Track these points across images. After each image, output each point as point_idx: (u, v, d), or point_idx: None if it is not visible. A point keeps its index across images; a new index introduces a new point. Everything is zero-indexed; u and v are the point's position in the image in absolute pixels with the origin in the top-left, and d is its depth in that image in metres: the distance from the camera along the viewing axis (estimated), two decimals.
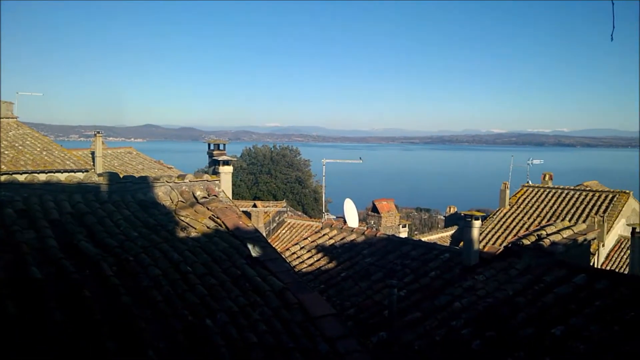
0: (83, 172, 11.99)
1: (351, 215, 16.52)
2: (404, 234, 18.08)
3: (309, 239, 10.31)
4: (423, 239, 14.58)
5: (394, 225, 18.08)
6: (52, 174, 11.36)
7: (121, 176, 7.06)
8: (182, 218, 6.45)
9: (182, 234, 6.09)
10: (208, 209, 6.80)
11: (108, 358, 3.74)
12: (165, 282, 4.95)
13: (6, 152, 17.62)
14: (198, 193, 7.17)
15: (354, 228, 10.66)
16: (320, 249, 9.69)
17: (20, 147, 18.31)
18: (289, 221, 22.75)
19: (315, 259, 9.43)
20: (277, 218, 23.06)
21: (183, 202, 6.92)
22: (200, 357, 4.15)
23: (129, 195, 6.73)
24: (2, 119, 20.19)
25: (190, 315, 4.53)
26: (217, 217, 6.58)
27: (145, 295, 4.67)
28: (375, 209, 18.36)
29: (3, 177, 6.11)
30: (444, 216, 32.07)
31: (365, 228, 11.09)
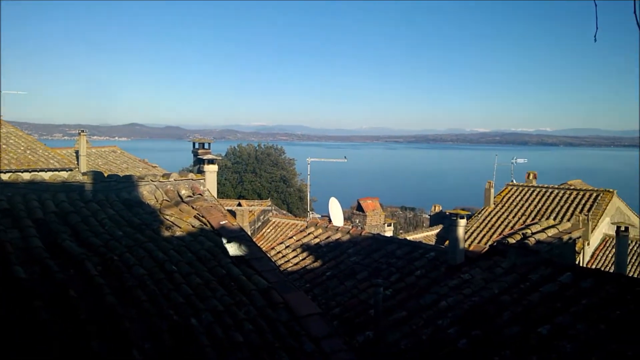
0: (67, 171, 11.85)
1: (336, 214, 16.60)
2: (389, 232, 18.22)
3: (294, 237, 10.34)
4: (408, 238, 14.71)
5: (379, 224, 18.20)
6: (36, 173, 11.22)
7: (105, 175, 7.01)
8: (167, 217, 6.45)
9: (167, 233, 6.08)
10: (193, 207, 6.80)
11: (94, 357, 3.73)
12: (150, 282, 4.95)
13: None
14: (183, 192, 7.16)
15: (339, 227, 10.72)
16: (306, 248, 9.73)
17: (4, 146, 18.06)
18: (273, 220, 22.75)
19: (300, 258, 9.46)
20: (262, 217, 23.05)
21: (168, 201, 6.91)
22: (186, 357, 4.16)
23: (113, 194, 6.70)
24: None
25: (175, 315, 4.54)
26: (202, 216, 6.58)
27: (130, 295, 4.66)
28: (360, 208, 18.46)
29: None
30: (429, 215, 32.31)
31: (350, 227, 11.16)
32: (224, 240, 6.13)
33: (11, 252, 4.75)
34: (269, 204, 25.66)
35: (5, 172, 14.88)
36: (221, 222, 6.48)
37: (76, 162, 20.11)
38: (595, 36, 2.99)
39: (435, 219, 27.74)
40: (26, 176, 6.51)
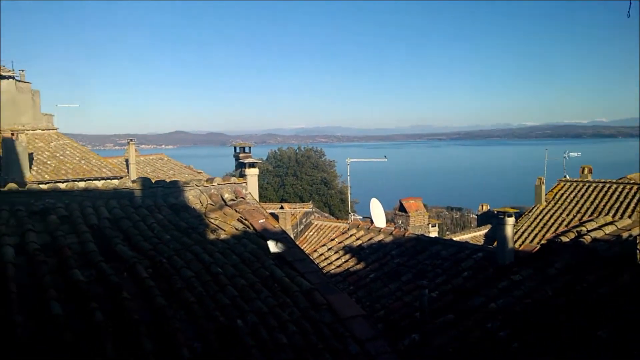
0: (118, 179, 12.37)
1: (378, 215, 16.56)
2: (433, 233, 18.00)
3: (336, 240, 10.42)
4: (455, 239, 14.49)
5: (422, 224, 18.02)
6: (90, 181, 11.81)
7: (153, 181, 7.32)
8: (212, 220, 6.66)
9: (212, 236, 6.29)
10: (236, 211, 6.99)
11: (146, 356, 3.93)
12: (198, 284, 5.14)
13: (49, 162, 18.41)
14: (226, 196, 7.38)
15: (382, 228, 10.72)
16: (348, 250, 9.79)
17: (61, 157, 19.09)
18: (316, 223, 22.91)
19: (343, 260, 9.53)
20: (304, 220, 23.26)
21: (212, 204, 7.14)
22: (232, 358, 4.30)
23: (161, 199, 6.99)
24: (44, 131, 21.06)
25: (221, 316, 4.70)
26: (245, 219, 6.77)
27: (178, 297, 4.86)
28: (402, 208, 18.33)
29: (47, 186, 6.44)
30: (477, 215, 31.66)
31: (393, 228, 11.14)
32: (267, 242, 6.28)
33: (70, 256, 5.06)
34: (311, 206, 25.87)
35: (63, 182, 15.74)
36: (263, 225, 6.63)
37: (126, 170, 20.98)
38: (628, 12, 2.87)
39: (483, 219, 27.16)
40: (81, 184, 6.89)
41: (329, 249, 10.11)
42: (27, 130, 19.34)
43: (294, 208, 24.39)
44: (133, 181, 7.32)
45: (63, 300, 4.32)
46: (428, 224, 18.58)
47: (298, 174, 48.64)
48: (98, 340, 3.94)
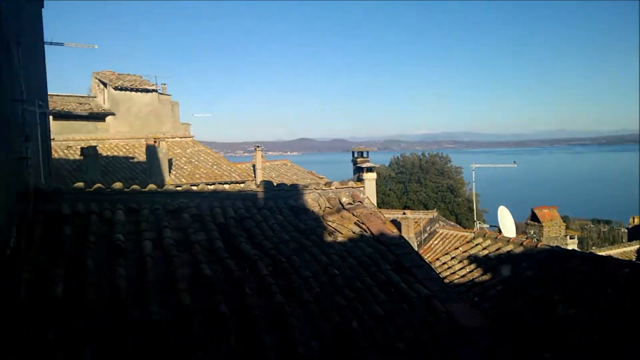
0: (243, 183, 13.29)
1: (507, 224, 15.62)
2: (572, 246, 16.51)
3: (460, 248, 10.05)
4: (599, 253, 13.15)
5: (558, 236, 16.62)
6: (219, 184, 12.81)
7: (275, 185, 7.72)
8: (330, 223, 6.84)
9: (329, 239, 6.46)
10: (353, 214, 7.09)
11: (265, 350, 4.16)
12: (315, 284, 5.31)
13: (185, 167, 20.35)
14: (344, 199, 7.52)
15: (511, 238, 10.10)
16: (473, 259, 9.38)
17: (196, 162, 21.01)
18: (441, 231, 22.27)
19: (467, 270, 9.16)
20: (428, 228, 22.74)
21: (330, 208, 7.33)
22: (347, 359, 4.37)
23: (282, 201, 7.35)
24: (182, 139, 23.36)
25: (338, 317, 4.79)
26: (362, 223, 6.84)
27: (296, 295, 5.06)
28: (535, 218, 17.09)
29: (181, 187, 7.14)
30: (627, 228, 28.50)
31: (524, 238, 10.44)
32: (390, 248, 6.27)
33: (199, 252, 5.54)
34: (435, 214, 25.21)
35: (197, 185, 17.31)
36: (380, 229, 6.65)
37: (253, 175, 22.38)
38: None
39: (634, 233, 24.30)
40: (211, 187, 7.50)
41: (452, 258, 9.80)
42: (167, 138, 21.55)
43: (417, 215, 24.00)
44: (257, 184, 7.78)
45: (192, 292, 4.74)
46: (565, 236, 17.10)
47: (422, 180, 47.77)
48: (222, 330, 4.27)
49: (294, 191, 7.67)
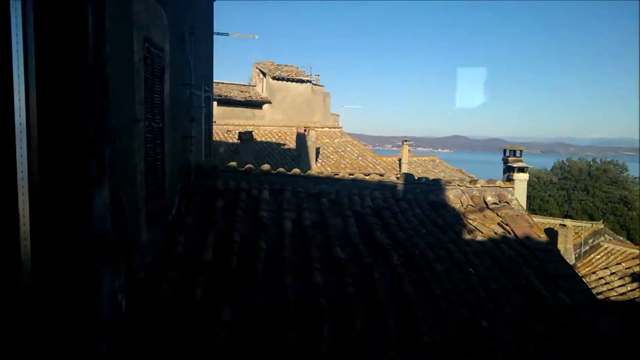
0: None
1: None
2: None
3: (622, 264, 9.05)
4: None
5: None
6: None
7: (416, 178, 7.75)
8: (470, 221, 6.69)
9: (468, 237, 6.33)
10: (497, 214, 6.84)
11: (389, 335, 4.30)
12: (446, 279, 5.28)
13: (331, 156, 21.23)
14: (489, 198, 7.27)
15: None
16: (637, 277, 8.40)
17: (342, 153, 21.78)
18: (605, 245, 20.07)
19: (628, 288, 8.24)
20: (590, 240, 20.68)
21: (472, 206, 7.15)
22: (473, 357, 4.31)
23: (421, 195, 7.37)
24: (330, 129, 24.37)
25: (467, 314, 4.73)
26: (506, 224, 6.56)
27: (426, 288, 5.10)
28: None
29: (323, 174, 7.57)
30: None
31: None
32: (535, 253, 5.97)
33: (334, 235, 5.86)
34: (602, 227, 22.80)
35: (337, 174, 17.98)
36: (526, 232, 6.32)
37: (398, 169, 22.45)
38: None
39: None
40: (351, 176, 7.80)
41: (612, 273, 8.88)
42: (317, 127, 22.62)
43: (578, 226, 21.96)
44: (397, 176, 7.89)
45: (323, 272, 5.06)
46: None
47: (590, 189, 43.41)
48: (348, 310, 4.50)
49: (435, 186, 7.64)
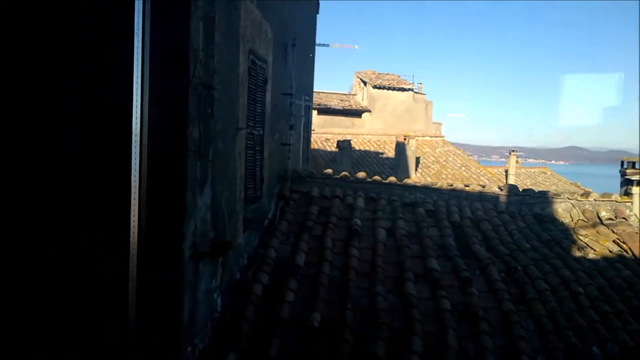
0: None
1: None
2: None
3: None
4: None
5: None
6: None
7: (520, 190, 7.42)
8: (581, 237, 6.28)
9: (578, 254, 5.95)
10: (613, 231, 6.35)
11: (484, 352, 4.18)
12: (552, 298, 5.01)
13: (432, 166, 20.88)
14: (603, 214, 6.78)
15: None
16: None
17: (443, 162, 21.33)
18: None
19: None
20: None
21: (584, 221, 6.70)
22: None
23: (525, 208, 7.04)
24: (432, 138, 24.00)
25: (574, 337, 4.46)
26: (623, 242, 6.07)
27: (528, 306, 4.88)
28: None
29: (420, 183, 7.52)
30: None
31: None
32: None
33: (429, 246, 5.79)
34: None
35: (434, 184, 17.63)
36: None
37: (505, 181, 21.50)
38: None
39: None
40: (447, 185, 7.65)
41: None
42: (418, 136, 22.32)
43: None
44: (499, 187, 7.61)
45: (416, 283, 5.03)
46: None
47: None
48: (441, 324, 4.44)
49: (541, 198, 7.27)
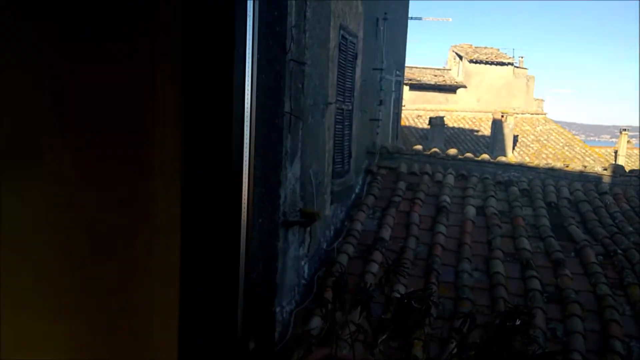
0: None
1: None
2: None
3: None
4: None
5: None
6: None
7: (627, 170, 7.01)
8: None
9: None
10: None
11: (572, 332, 4.12)
12: None
13: (532, 145, 19.99)
14: None
15: None
16: None
17: (544, 141, 20.33)
18: None
19: None
20: None
21: None
22: None
23: (631, 189, 6.65)
24: (532, 115, 22.90)
25: None
26: None
27: (626, 291, 4.70)
28: None
29: (515, 161, 7.34)
30: None
31: None
32: None
33: (522, 225, 5.70)
34: None
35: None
36: None
37: (613, 162, 20.09)
38: None
39: None
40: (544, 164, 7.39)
41: None
42: (517, 113, 21.36)
43: None
44: (603, 168, 7.24)
45: (505, 262, 5.00)
46: None
47: None
48: (529, 305, 4.41)
49: None
